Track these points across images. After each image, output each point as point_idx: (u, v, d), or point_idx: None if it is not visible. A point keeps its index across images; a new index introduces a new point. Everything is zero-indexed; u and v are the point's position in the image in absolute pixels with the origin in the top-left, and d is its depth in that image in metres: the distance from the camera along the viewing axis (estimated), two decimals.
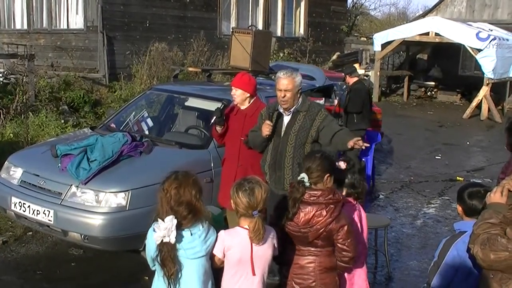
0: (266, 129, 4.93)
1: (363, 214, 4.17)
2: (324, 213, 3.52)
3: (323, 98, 8.20)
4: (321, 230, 3.54)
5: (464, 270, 3.34)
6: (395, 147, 12.10)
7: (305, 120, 4.94)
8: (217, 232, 3.39)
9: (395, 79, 21.26)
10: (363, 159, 8.67)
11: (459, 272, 3.40)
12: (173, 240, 3.06)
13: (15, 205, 5.51)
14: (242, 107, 5.53)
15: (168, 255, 3.08)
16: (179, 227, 3.11)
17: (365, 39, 22.27)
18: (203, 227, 3.22)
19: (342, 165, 3.99)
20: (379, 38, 18.32)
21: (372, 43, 19.09)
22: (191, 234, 3.17)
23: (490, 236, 2.86)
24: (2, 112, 9.69)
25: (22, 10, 16.08)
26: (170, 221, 3.05)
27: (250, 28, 7.66)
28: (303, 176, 3.61)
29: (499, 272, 2.94)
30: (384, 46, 18.29)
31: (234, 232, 3.35)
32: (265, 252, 3.39)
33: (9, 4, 16.45)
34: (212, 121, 5.58)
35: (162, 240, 3.06)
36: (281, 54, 17.28)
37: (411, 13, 40.06)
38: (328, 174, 3.65)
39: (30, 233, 6.28)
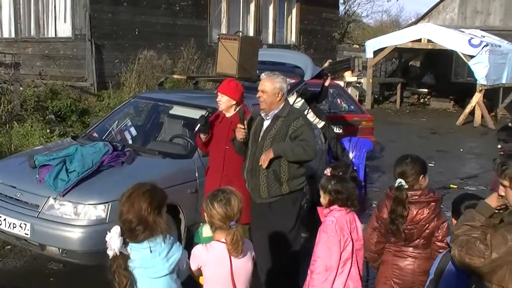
0: (239, 133, 4.87)
1: (359, 224, 3.95)
2: (426, 210, 3.78)
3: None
4: (425, 227, 3.77)
5: (463, 286, 3.16)
6: (388, 154, 11.91)
7: (282, 126, 4.77)
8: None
9: (387, 86, 21.18)
10: (355, 167, 8.47)
11: None
12: (117, 251, 2.87)
13: None
14: (228, 115, 5.34)
15: (117, 268, 2.88)
16: (131, 241, 2.93)
17: (357, 46, 22.21)
18: (164, 243, 2.99)
19: (328, 171, 3.84)
20: (372, 45, 18.25)
21: (364, 50, 19.02)
22: (151, 252, 2.95)
23: (469, 239, 2.75)
24: None
25: (10, 18, 15.85)
26: (114, 231, 2.88)
27: (236, 34, 7.45)
28: (400, 181, 3.80)
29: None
30: (376, 53, 18.22)
31: (210, 247, 3.14)
32: (244, 265, 3.19)
33: None
34: (196, 129, 5.38)
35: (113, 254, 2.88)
36: None
37: (404, 21, 40.04)
38: (422, 175, 3.86)
39: (9, 247, 6.04)
